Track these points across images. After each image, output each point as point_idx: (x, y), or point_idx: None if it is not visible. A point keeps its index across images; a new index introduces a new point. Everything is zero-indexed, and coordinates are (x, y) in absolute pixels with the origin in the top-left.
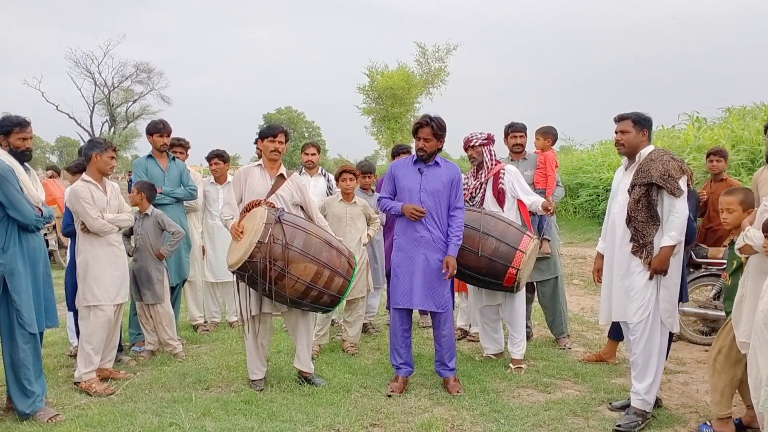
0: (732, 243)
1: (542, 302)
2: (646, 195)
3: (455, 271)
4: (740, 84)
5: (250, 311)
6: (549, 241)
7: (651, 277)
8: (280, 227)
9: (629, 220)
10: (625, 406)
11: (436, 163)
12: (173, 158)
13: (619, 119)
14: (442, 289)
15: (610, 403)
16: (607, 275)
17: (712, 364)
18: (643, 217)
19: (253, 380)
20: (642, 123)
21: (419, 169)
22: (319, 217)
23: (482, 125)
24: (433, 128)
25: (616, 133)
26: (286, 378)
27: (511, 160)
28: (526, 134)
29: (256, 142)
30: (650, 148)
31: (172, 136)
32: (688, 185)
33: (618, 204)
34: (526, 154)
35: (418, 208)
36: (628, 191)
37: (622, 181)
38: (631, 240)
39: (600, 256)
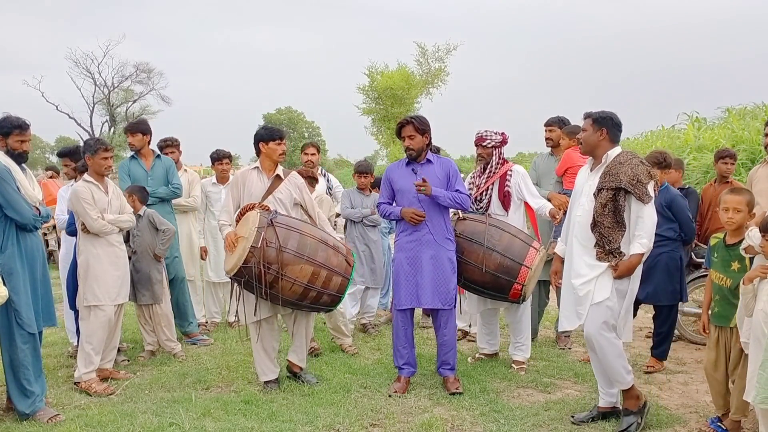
0: (740, 242)
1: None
2: (613, 200)
3: (424, 187)
4: (740, 84)
5: (251, 317)
6: None
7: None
8: (273, 230)
9: (594, 225)
10: (590, 418)
11: (429, 160)
12: (158, 155)
13: (583, 117)
14: (448, 284)
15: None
16: (566, 280)
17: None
18: (609, 223)
19: (265, 381)
20: (600, 122)
21: (413, 170)
22: (319, 214)
23: (482, 125)
24: (415, 125)
25: None
26: (286, 378)
27: (550, 155)
28: (559, 128)
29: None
30: (617, 150)
31: (166, 137)
32: (682, 187)
33: (581, 207)
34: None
35: (417, 212)
36: (594, 195)
37: (586, 182)
38: (595, 245)
39: (559, 259)
